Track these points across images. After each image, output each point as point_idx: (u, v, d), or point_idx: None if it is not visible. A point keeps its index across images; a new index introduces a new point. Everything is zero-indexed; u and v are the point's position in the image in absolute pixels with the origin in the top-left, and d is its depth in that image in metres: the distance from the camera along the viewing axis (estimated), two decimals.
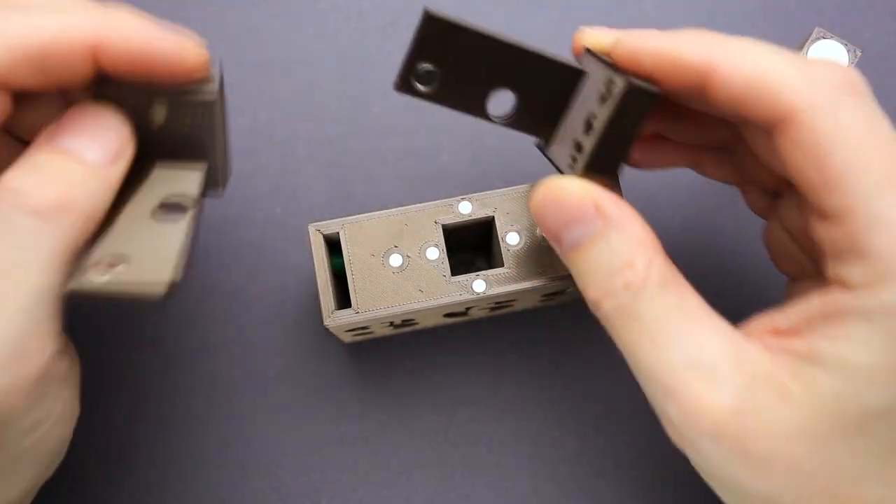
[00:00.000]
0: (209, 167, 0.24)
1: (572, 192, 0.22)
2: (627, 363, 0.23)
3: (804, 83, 0.21)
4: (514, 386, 0.32)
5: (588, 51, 0.24)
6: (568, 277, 0.26)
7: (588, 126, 0.23)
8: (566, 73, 0.24)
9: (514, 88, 0.24)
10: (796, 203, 0.25)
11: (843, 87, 0.21)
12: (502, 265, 0.26)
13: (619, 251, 0.22)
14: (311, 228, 0.26)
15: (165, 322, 0.32)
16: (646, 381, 0.22)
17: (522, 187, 0.27)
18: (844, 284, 0.20)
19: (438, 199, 0.27)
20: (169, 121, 0.23)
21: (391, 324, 0.28)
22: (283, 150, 0.33)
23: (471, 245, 0.30)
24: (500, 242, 0.26)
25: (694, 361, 0.21)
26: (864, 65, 0.34)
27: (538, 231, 0.26)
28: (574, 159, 0.23)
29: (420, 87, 0.23)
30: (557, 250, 0.24)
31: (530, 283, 0.26)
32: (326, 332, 0.31)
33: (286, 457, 0.31)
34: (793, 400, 0.20)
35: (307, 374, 0.31)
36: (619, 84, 0.22)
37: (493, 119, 0.24)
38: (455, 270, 0.27)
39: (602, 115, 0.22)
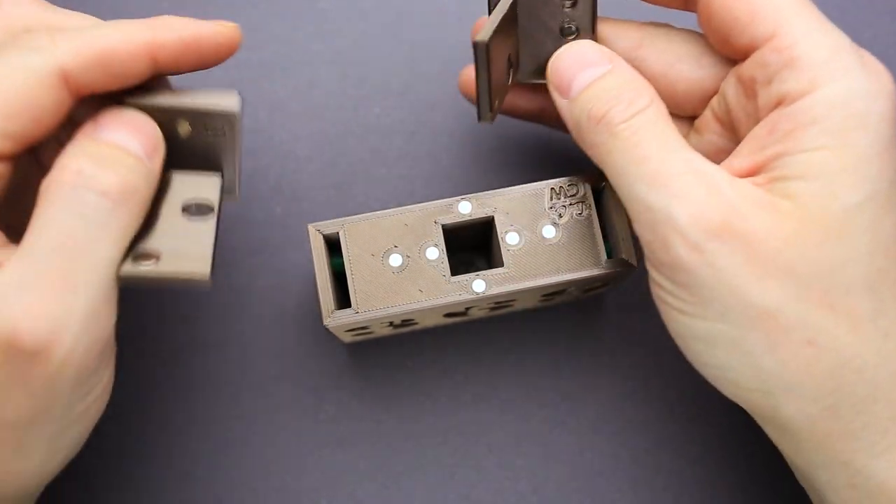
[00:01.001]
0: (224, 177, 0.26)
1: (591, 44, 0.26)
2: (623, 180, 0.23)
3: None
4: (514, 386, 0.32)
5: None
6: (568, 277, 0.26)
7: (573, 2, 0.26)
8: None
9: (515, 47, 0.27)
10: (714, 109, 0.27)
11: None
12: (502, 265, 0.26)
13: (631, 81, 0.24)
14: (311, 228, 0.26)
15: (166, 322, 0.32)
16: (648, 188, 0.23)
17: (522, 187, 0.27)
18: (783, 100, 0.23)
19: (438, 199, 0.27)
20: (192, 134, 0.25)
21: (391, 324, 0.28)
22: (283, 150, 0.33)
23: (471, 245, 0.30)
24: (500, 242, 0.26)
25: (697, 169, 0.23)
26: None
27: (539, 229, 0.26)
28: (576, 36, 0.27)
29: (496, 103, 0.26)
30: (561, 102, 0.25)
31: (530, 283, 0.26)
32: (326, 332, 0.31)
33: (286, 457, 0.31)
34: (782, 211, 0.22)
35: (307, 374, 0.31)
36: None
37: (519, 80, 0.28)
38: (455, 270, 0.27)
39: None
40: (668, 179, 0.22)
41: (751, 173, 0.23)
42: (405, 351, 0.32)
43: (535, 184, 0.27)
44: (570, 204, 0.27)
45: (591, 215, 0.27)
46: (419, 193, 0.33)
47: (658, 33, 0.27)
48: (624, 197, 0.24)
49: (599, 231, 0.27)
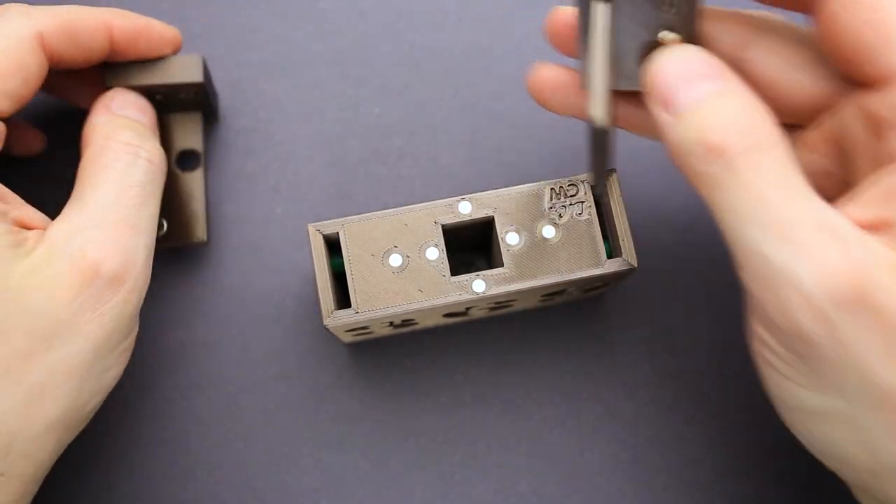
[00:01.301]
0: (204, 113, 0.32)
1: (699, 51, 0.22)
2: (734, 221, 0.20)
3: None
4: (514, 386, 0.32)
5: None
6: (568, 277, 0.26)
7: (669, 3, 0.23)
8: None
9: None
10: (818, 126, 0.24)
11: None
12: (502, 265, 0.26)
13: (749, 105, 0.21)
14: (311, 228, 0.26)
15: (165, 322, 0.32)
16: (767, 236, 0.20)
17: (522, 187, 0.27)
18: None
19: (438, 199, 0.27)
20: (167, 96, 0.30)
21: (391, 324, 0.28)
22: (283, 150, 0.33)
23: (471, 245, 0.30)
24: (500, 242, 0.26)
25: (825, 221, 0.19)
26: None
27: (539, 229, 0.26)
28: (681, 39, 0.23)
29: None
30: (663, 117, 0.22)
31: (530, 283, 0.26)
32: (326, 332, 0.31)
33: (286, 457, 0.31)
34: None
35: (307, 374, 0.31)
36: None
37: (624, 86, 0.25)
38: (455, 270, 0.27)
39: None
40: (792, 231, 0.19)
41: (874, 227, 0.20)
42: (405, 351, 0.32)
43: (535, 184, 0.27)
44: (570, 204, 0.27)
45: (591, 215, 0.27)
46: (419, 193, 0.33)
47: (768, 32, 0.24)
48: (732, 239, 0.21)
49: (599, 231, 0.27)
